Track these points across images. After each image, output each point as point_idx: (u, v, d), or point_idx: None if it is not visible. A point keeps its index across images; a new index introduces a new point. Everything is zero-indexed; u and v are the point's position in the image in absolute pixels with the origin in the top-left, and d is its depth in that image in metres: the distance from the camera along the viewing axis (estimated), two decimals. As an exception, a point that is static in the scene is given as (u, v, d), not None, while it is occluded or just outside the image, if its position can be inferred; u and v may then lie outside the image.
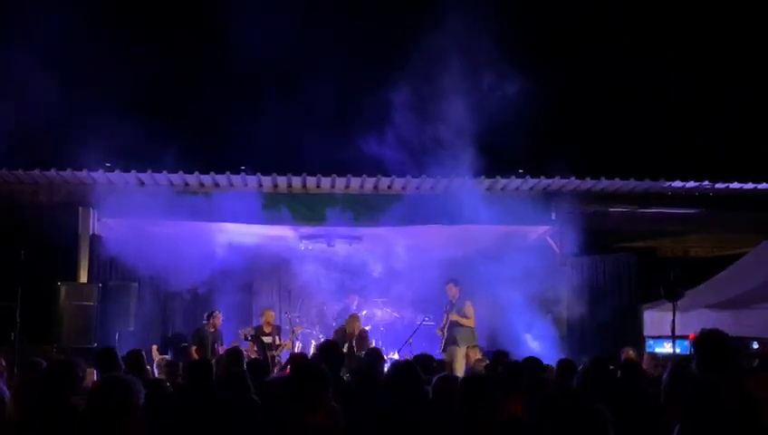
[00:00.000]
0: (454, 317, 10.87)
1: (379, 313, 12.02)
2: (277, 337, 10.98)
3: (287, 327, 11.45)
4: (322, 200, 10.15)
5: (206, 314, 11.09)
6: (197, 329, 11.07)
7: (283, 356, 10.31)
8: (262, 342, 10.71)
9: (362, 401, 4.63)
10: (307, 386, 3.69)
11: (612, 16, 15.40)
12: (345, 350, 10.34)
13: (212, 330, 10.92)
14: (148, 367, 7.49)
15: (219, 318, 11.07)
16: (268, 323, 11.00)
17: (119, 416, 3.06)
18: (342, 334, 10.54)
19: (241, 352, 7.16)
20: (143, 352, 7.05)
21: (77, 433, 3.80)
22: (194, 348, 10.63)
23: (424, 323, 11.90)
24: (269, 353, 10.44)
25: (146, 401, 3.15)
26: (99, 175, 9.58)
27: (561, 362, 6.19)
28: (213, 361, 7.32)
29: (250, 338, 10.86)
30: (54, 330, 9.15)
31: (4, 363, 7.55)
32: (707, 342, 4.17)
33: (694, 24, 15.29)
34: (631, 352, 8.65)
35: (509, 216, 10.23)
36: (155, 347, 10.57)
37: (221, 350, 10.47)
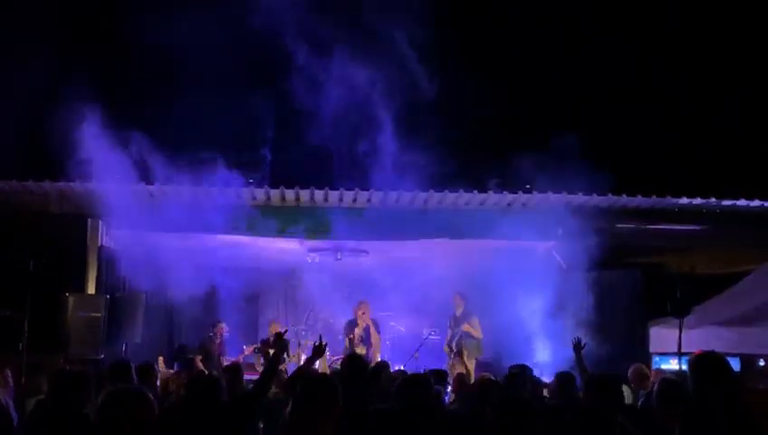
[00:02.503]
0: (467, 328, 10.91)
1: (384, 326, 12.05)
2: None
3: (294, 340, 11.46)
4: (330, 213, 10.19)
5: (210, 326, 11.17)
6: (203, 339, 11.14)
7: (290, 368, 10.34)
8: (268, 355, 10.74)
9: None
10: (313, 399, 3.45)
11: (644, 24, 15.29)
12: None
13: (217, 341, 10.98)
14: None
15: (223, 329, 11.12)
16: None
17: (129, 429, 3.03)
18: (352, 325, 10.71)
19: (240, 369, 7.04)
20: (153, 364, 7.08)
21: None
22: (199, 358, 10.68)
23: (430, 336, 11.91)
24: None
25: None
26: (108, 187, 9.63)
27: (559, 376, 6.24)
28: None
29: (257, 351, 10.91)
30: (62, 340, 9.17)
31: (10, 375, 7.61)
32: (702, 363, 4.17)
33: (715, 29, 15.22)
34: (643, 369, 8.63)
35: (516, 231, 10.25)
36: (161, 359, 10.63)
37: (225, 361, 10.51)
